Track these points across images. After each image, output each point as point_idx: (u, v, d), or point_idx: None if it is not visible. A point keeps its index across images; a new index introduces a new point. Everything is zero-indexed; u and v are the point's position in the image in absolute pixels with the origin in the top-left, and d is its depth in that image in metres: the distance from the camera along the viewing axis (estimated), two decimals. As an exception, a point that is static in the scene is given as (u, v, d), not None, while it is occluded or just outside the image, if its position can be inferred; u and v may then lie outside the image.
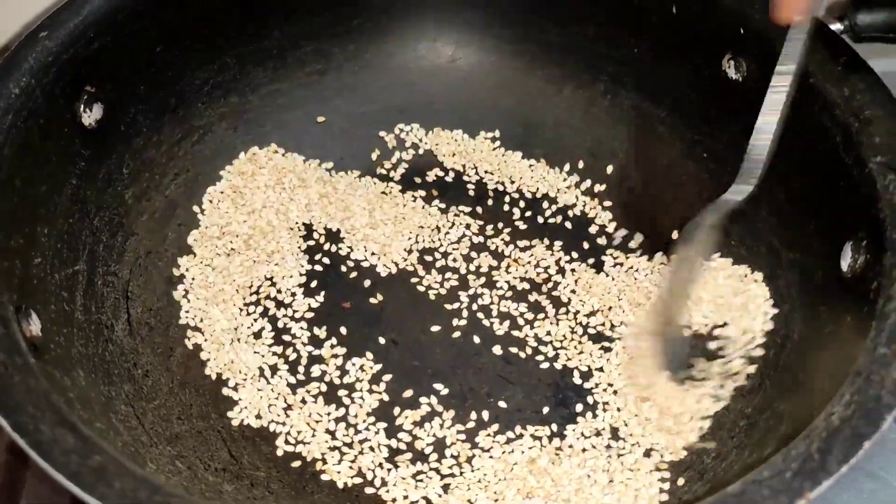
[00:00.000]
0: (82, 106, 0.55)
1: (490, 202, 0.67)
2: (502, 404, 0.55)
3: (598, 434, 0.53)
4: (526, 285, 0.62)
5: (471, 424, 0.54)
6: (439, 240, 0.64)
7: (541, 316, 0.60)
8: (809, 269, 0.53)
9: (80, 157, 0.55)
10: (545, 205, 0.66)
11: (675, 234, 0.63)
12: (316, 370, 0.57)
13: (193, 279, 0.60)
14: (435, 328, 0.59)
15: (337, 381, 0.56)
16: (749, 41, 0.58)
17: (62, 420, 0.38)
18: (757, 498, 0.35)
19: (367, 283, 0.61)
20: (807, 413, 0.44)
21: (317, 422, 0.54)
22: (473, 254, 0.63)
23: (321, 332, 0.59)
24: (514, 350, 0.58)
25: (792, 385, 0.50)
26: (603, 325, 0.59)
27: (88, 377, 0.49)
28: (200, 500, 0.45)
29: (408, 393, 0.56)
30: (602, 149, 0.68)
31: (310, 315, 0.59)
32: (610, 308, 0.60)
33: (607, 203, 0.66)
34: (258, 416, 0.54)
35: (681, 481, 0.50)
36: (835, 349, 0.48)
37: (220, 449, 0.52)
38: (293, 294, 0.60)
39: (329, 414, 0.55)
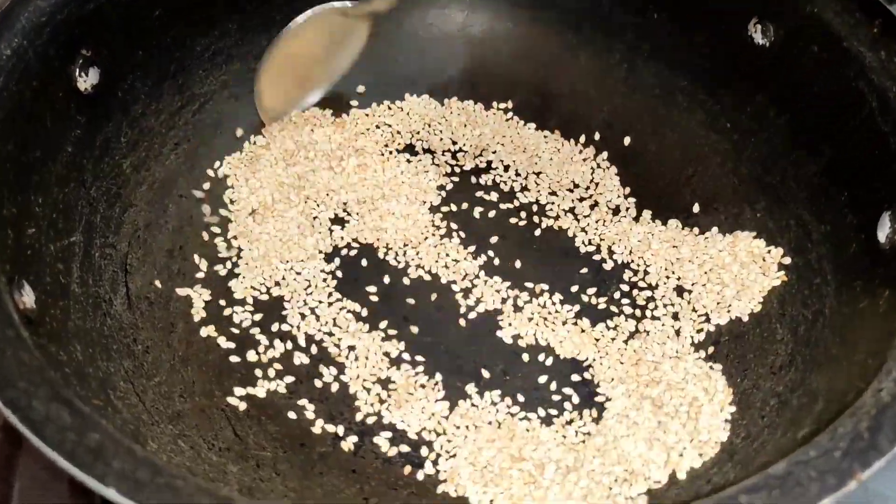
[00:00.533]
0: (77, 70, 0.52)
1: (503, 175, 0.64)
2: (518, 383, 0.53)
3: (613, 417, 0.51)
4: (541, 258, 0.59)
5: (485, 400, 0.52)
6: (452, 213, 0.62)
7: (557, 296, 0.57)
8: (843, 242, 0.51)
9: (75, 124, 0.52)
10: (560, 179, 0.64)
11: (696, 208, 0.60)
12: (328, 343, 0.54)
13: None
14: (447, 304, 0.57)
15: (348, 355, 0.54)
16: (778, 3, 0.55)
17: (57, 396, 0.35)
18: (803, 479, 0.33)
19: (381, 255, 0.59)
20: (844, 390, 0.42)
21: (326, 398, 0.52)
22: (487, 228, 0.61)
23: (335, 307, 0.56)
24: (526, 331, 0.56)
25: (825, 361, 0.48)
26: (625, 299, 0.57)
27: (86, 352, 0.47)
28: (204, 481, 0.43)
29: (419, 370, 0.53)
30: (619, 120, 0.65)
31: (325, 288, 0.57)
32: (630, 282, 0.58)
33: (623, 176, 0.63)
34: (267, 391, 0.52)
35: (709, 462, 0.47)
36: (872, 324, 0.45)
37: (224, 428, 0.50)
38: (306, 269, 0.58)
39: (339, 387, 0.52)
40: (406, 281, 0.58)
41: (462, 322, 0.56)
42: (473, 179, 0.64)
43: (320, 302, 0.56)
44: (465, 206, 0.62)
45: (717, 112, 0.61)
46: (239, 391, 0.52)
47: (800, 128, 0.56)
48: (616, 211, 0.62)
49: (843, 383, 0.43)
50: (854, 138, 0.51)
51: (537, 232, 0.61)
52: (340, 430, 0.51)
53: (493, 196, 0.63)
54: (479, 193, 0.63)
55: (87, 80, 0.53)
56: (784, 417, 0.47)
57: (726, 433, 0.48)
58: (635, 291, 0.57)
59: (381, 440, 0.51)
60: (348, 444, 0.50)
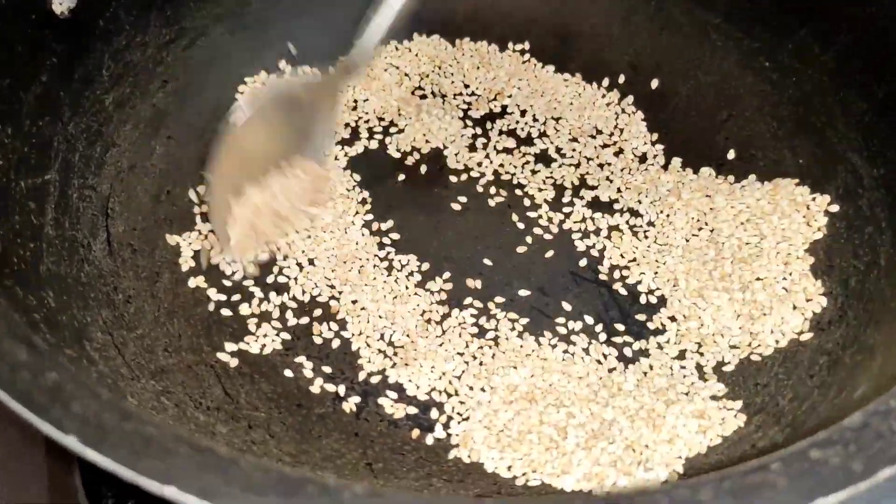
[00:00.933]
0: (51, -12, 0.47)
1: (520, 121, 0.59)
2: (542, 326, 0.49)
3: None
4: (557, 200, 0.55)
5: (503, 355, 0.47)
6: (470, 158, 0.57)
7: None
8: (899, 185, 0.46)
9: (51, 52, 0.47)
10: (582, 125, 0.59)
11: (731, 154, 0.55)
12: (329, 296, 0.50)
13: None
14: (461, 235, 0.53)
15: (350, 309, 0.49)
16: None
17: (13, 332, 0.30)
18: (883, 430, 0.28)
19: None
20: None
21: (326, 355, 0.47)
22: (506, 172, 0.56)
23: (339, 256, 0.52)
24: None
25: (882, 314, 0.43)
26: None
27: (59, 299, 0.42)
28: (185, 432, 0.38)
29: (433, 320, 0.49)
30: (645, 62, 0.60)
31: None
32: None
33: (650, 122, 0.58)
34: (261, 347, 0.47)
35: (752, 426, 0.42)
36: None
37: (213, 385, 0.45)
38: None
39: (340, 343, 0.48)
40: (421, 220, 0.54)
41: (487, 262, 0.52)
42: (488, 125, 0.59)
43: (323, 251, 0.52)
44: (478, 151, 0.57)
45: (753, 50, 0.56)
46: (230, 347, 0.47)
47: (848, 65, 0.51)
48: (643, 159, 0.57)
49: (904, 335, 0.38)
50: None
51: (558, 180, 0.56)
52: (342, 389, 0.46)
53: (511, 143, 0.58)
54: (494, 138, 0.58)
55: (62, 2, 0.47)
56: (837, 376, 0.42)
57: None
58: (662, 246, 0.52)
59: (386, 401, 0.46)
60: (350, 404, 0.46)
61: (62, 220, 0.46)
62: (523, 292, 0.50)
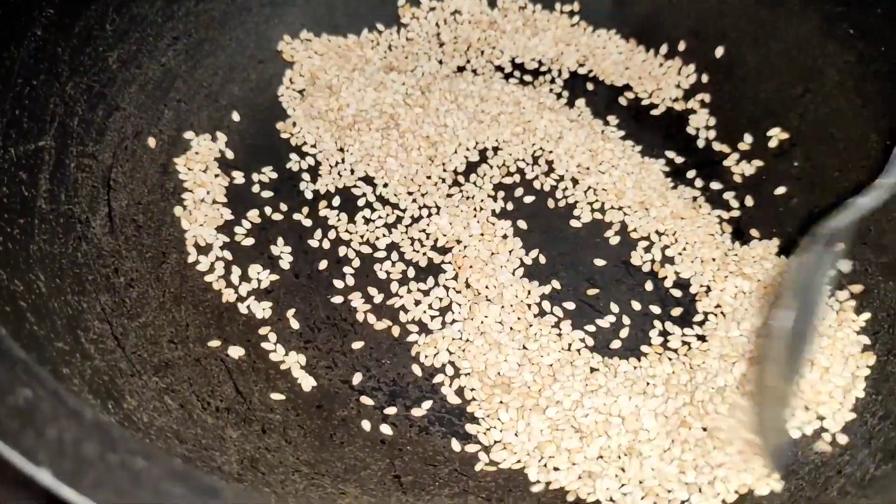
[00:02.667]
0: (46, -72, 0.42)
1: (566, 92, 0.53)
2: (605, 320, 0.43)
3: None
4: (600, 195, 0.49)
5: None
6: (518, 135, 0.51)
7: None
8: None
9: (47, 2, 0.42)
10: (635, 97, 0.53)
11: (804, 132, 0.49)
12: (356, 287, 0.45)
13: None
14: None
15: (383, 301, 0.44)
16: None
17: (-16, 334, 0.26)
18: None
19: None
20: None
21: (350, 352, 0.42)
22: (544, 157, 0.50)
23: (371, 234, 0.46)
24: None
25: None
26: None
27: (51, 283, 0.37)
28: (194, 449, 0.34)
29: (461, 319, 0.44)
30: (709, 27, 0.54)
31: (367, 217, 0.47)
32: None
33: (714, 95, 0.52)
34: (278, 339, 0.42)
35: (838, 448, 0.37)
36: None
37: (223, 382, 0.40)
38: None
39: (366, 341, 0.43)
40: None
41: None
42: (535, 95, 0.53)
43: (356, 231, 0.47)
44: (526, 127, 0.51)
45: (837, 15, 0.49)
46: (244, 338, 0.42)
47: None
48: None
49: None
50: None
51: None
52: (367, 389, 0.41)
53: (554, 117, 0.52)
54: (542, 113, 0.52)
55: (60, -55, 0.42)
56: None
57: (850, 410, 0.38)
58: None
59: (418, 406, 0.41)
60: (376, 407, 0.41)
61: (57, 193, 0.41)
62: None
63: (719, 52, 0.53)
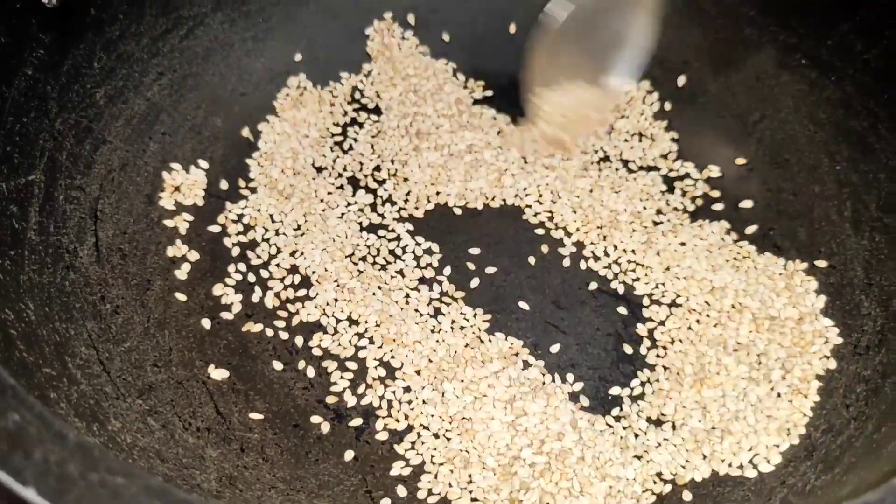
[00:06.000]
0: (39, -25, 0.44)
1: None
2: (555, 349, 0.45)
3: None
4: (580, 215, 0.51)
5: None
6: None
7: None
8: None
9: (37, 43, 0.44)
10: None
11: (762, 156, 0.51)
12: (331, 311, 0.47)
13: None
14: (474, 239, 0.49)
15: (359, 326, 0.46)
16: None
17: (-26, 363, 0.28)
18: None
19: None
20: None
21: (327, 374, 0.44)
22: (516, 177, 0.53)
23: (351, 260, 0.48)
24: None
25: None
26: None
27: (40, 311, 0.39)
28: (175, 468, 0.36)
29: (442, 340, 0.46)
30: (672, 57, 0.56)
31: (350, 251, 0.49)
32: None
33: (676, 121, 0.55)
34: (257, 362, 0.44)
35: (782, 460, 0.39)
36: None
37: (204, 404, 0.42)
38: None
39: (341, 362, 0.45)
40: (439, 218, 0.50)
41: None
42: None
43: (336, 260, 0.49)
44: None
45: (791, 46, 0.52)
46: (224, 361, 0.44)
47: (895, 64, 0.47)
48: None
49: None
50: None
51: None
52: (342, 410, 0.44)
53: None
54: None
55: (49, -11, 0.44)
56: (877, 408, 0.38)
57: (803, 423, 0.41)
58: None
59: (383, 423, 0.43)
60: (350, 426, 0.43)
61: (47, 224, 0.43)
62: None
63: (682, 80, 0.56)
